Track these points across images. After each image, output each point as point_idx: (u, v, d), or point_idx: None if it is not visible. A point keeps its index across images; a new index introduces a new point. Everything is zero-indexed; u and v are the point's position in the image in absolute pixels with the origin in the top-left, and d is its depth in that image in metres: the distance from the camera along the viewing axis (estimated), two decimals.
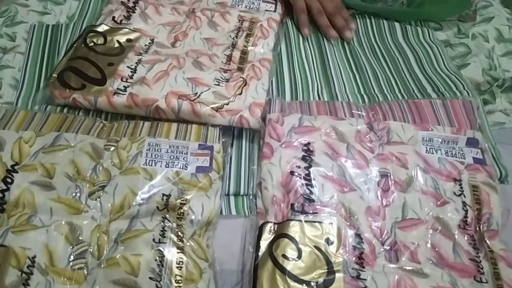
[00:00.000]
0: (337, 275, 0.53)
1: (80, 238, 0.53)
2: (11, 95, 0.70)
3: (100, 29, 0.74)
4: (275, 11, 0.84)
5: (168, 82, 0.67)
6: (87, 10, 0.84)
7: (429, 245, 0.56)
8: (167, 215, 0.56)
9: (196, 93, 0.66)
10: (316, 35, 0.85)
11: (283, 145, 0.63)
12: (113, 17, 0.77)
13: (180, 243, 0.54)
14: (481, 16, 0.88)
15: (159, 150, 0.60)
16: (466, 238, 0.57)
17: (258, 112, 0.65)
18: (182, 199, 0.56)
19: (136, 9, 0.80)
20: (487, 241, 0.56)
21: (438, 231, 0.57)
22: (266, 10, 0.84)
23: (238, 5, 0.84)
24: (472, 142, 0.64)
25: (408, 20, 0.88)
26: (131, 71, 0.69)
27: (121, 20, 0.77)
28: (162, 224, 0.55)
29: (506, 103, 0.77)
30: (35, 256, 0.51)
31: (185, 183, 0.58)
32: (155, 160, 0.59)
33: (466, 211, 0.58)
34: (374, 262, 0.55)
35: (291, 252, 0.54)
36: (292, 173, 0.60)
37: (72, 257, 0.52)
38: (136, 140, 0.61)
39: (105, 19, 0.77)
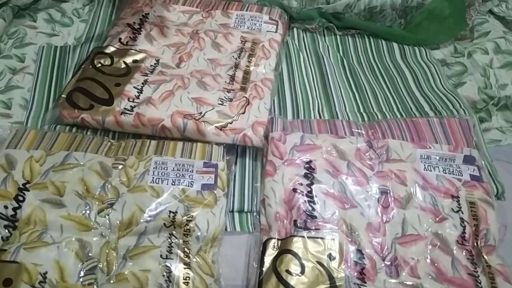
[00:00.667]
0: None
1: (90, 254, 0.55)
2: (21, 115, 0.72)
3: (107, 50, 0.77)
4: (276, 31, 0.86)
5: (173, 102, 0.69)
6: (94, 32, 0.87)
7: (428, 260, 0.58)
8: (174, 232, 0.57)
9: (201, 113, 0.68)
10: (317, 54, 0.88)
11: (286, 163, 0.65)
12: (120, 39, 0.79)
13: (186, 259, 0.56)
14: (477, 32, 0.91)
15: (165, 168, 0.62)
16: (464, 253, 0.58)
17: (260, 130, 0.67)
18: (188, 216, 0.58)
19: (141, 30, 0.82)
20: (485, 256, 0.58)
21: (437, 246, 0.58)
22: (267, 31, 0.86)
23: (240, 26, 0.86)
24: (469, 160, 0.66)
25: (407, 43, 0.91)
26: (138, 92, 0.71)
27: (127, 42, 0.79)
28: (169, 240, 0.57)
29: (502, 121, 0.79)
30: (46, 272, 0.52)
31: (191, 200, 0.59)
32: (161, 178, 0.61)
33: (464, 227, 0.60)
34: (375, 277, 0.56)
35: (295, 268, 0.55)
36: (294, 190, 0.62)
37: (82, 273, 0.53)
38: (143, 158, 0.63)
39: (111, 41, 0.79)
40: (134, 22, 0.83)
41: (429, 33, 0.90)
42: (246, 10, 0.90)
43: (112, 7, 0.93)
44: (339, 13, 0.91)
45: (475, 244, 0.59)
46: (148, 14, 0.86)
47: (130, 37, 0.80)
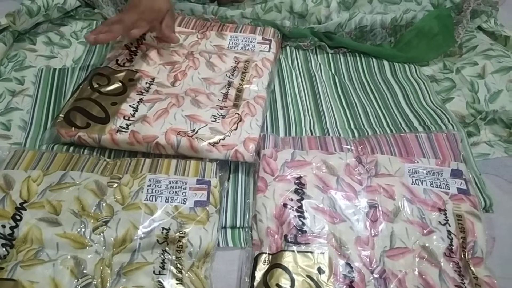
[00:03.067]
0: None
1: (85, 271, 0.56)
2: (20, 136, 0.74)
3: (104, 71, 0.79)
4: (269, 50, 0.88)
5: (167, 119, 0.71)
6: (92, 55, 0.89)
7: (416, 272, 0.59)
8: (167, 248, 0.59)
9: (194, 129, 0.70)
10: (309, 72, 0.90)
11: (277, 179, 0.66)
12: (117, 60, 0.81)
13: (179, 274, 0.57)
14: (465, 47, 0.93)
15: (159, 186, 0.64)
16: (451, 265, 0.59)
17: (252, 146, 0.69)
18: (181, 232, 0.59)
19: (138, 52, 0.84)
20: (472, 268, 0.59)
21: (424, 259, 0.60)
22: (260, 51, 0.88)
23: (234, 47, 0.88)
24: (456, 173, 0.67)
25: (397, 61, 0.93)
26: (133, 110, 0.73)
27: (124, 63, 0.81)
28: (162, 256, 0.58)
29: (490, 135, 0.81)
30: None
31: (183, 217, 0.61)
32: (155, 196, 0.62)
33: (451, 240, 0.61)
34: None
35: (285, 282, 0.56)
36: (285, 205, 0.63)
37: None
38: (138, 176, 0.65)
39: (109, 63, 0.81)
40: (131, 44, 0.85)
41: (418, 51, 0.93)
42: (240, 31, 0.92)
43: None
44: (330, 33, 0.94)
45: (462, 256, 0.60)
46: (145, 34, 0.88)
47: (127, 58, 0.83)
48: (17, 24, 0.86)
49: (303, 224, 0.61)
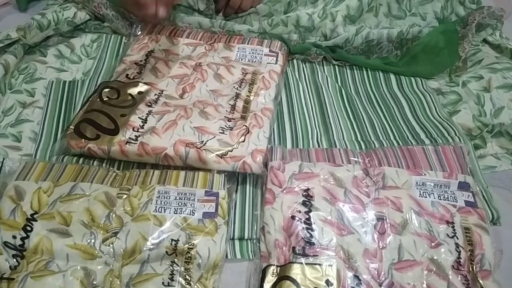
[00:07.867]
0: None
1: (95, 282, 0.56)
2: (30, 148, 0.75)
3: (114, 84, 0.80)
4: (276, 63, 0.89)
5: (176, 131, 0.72)
6: (101, 68, 0.90)
7: (424, 285, 0.59)
8: (176, 259, 0.59)
9: (202, 141, 0.70)
10: (316, 85, 0.91)
11: (285, 191, 0.67)
12: (127, 75, 0.82)
13: (188, 286, 0.57)
14: (470, 61, 0.93)
15: (168, 198, 0.64)
16: (459, 278, 0.59)
17: (259, 158, 0.69)
18: (189, 244, 0.60)
19: (147, 65, 0.85)
20: (480, 281, 0.59)
21: (432, 272, 0.60)
22: (267, 63, 0.89)
23: (241, 59, 0.89)
24: (463, 186, 0.67)
25: (402, 75, 0.94)
26: (142, 122, 0.74)
27: (134, 77, 0.82)
28: (171, 268, 0.58)
29: (497, 148, 0.81)
30: None
31: (192, 228, 0.61)
32: (164, 207, 0.63)
33: (459, 252, 0.61)
34: None
35: None
36: (293, 217, 0.64)
37: None
38: (147, 188, 0.65)
39: (118, 77, 0.82)
40: (141, 60, 0.86)
41: (424, 66, 0.93)
42: (248, 43, 0.93)
43: (120, 43, 0.97)
44: (337, 46, 0.94)
45: (470, 269, 0.60)
46: (154, 49, 0.89)
47: (136, 72, 0.84)
48: (28, 38, 0.87)
49: (311, 236, 0.62)
